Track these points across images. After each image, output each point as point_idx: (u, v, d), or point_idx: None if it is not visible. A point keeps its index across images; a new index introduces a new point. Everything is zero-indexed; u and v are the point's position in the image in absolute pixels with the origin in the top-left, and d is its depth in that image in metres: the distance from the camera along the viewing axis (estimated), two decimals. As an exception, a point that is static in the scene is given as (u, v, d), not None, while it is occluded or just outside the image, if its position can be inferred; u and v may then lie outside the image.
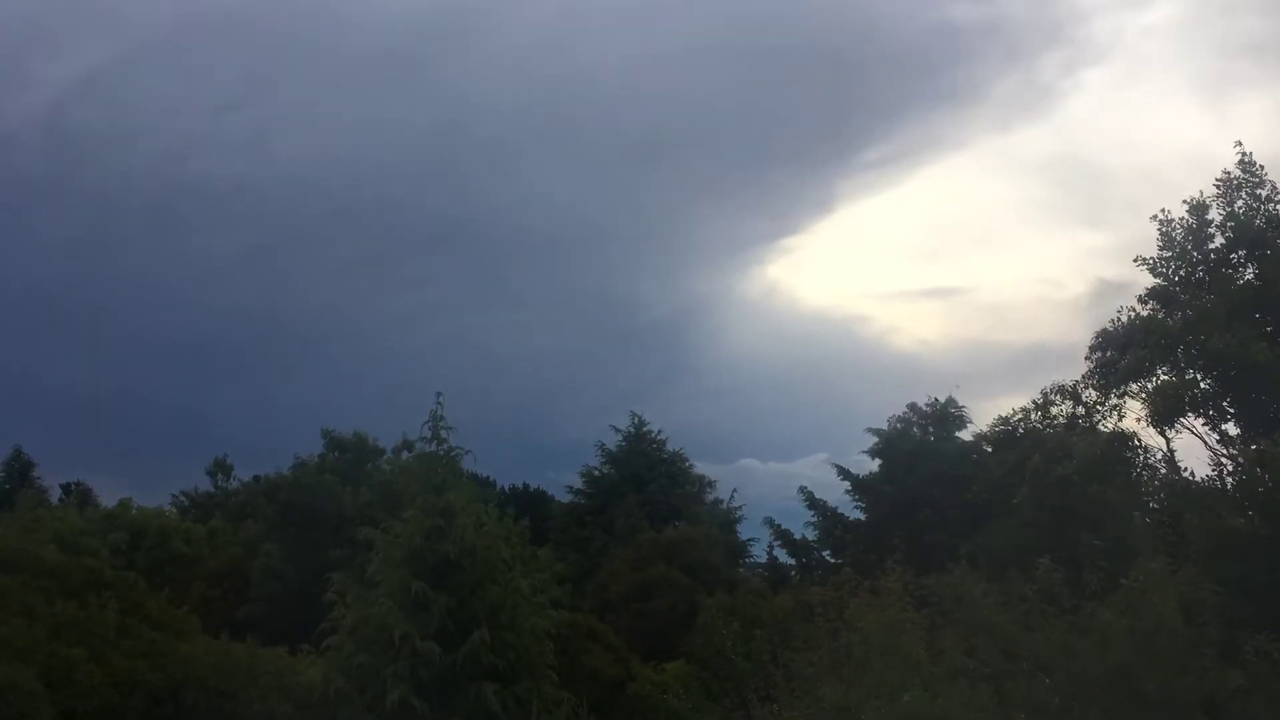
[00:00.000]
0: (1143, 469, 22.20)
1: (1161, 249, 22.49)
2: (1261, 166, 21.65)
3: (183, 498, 54.26)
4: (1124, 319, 22.60)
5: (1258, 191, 21.76)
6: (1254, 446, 19.17)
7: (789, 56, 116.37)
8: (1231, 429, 21.07)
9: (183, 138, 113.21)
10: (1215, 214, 22.06)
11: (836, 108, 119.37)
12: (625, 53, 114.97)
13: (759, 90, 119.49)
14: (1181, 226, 22.30)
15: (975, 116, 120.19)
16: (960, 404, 35.56)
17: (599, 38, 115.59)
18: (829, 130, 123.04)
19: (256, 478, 49.26)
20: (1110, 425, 22.38)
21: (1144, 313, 22.47)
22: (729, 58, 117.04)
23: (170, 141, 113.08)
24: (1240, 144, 21.90)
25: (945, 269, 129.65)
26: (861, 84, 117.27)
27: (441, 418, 18.77)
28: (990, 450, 30.38)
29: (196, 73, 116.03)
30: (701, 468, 49.15)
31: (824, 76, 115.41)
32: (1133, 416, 22.07)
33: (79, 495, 53.57)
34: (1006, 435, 25.94)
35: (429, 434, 18.87)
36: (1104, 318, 23.13)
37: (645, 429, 48.24)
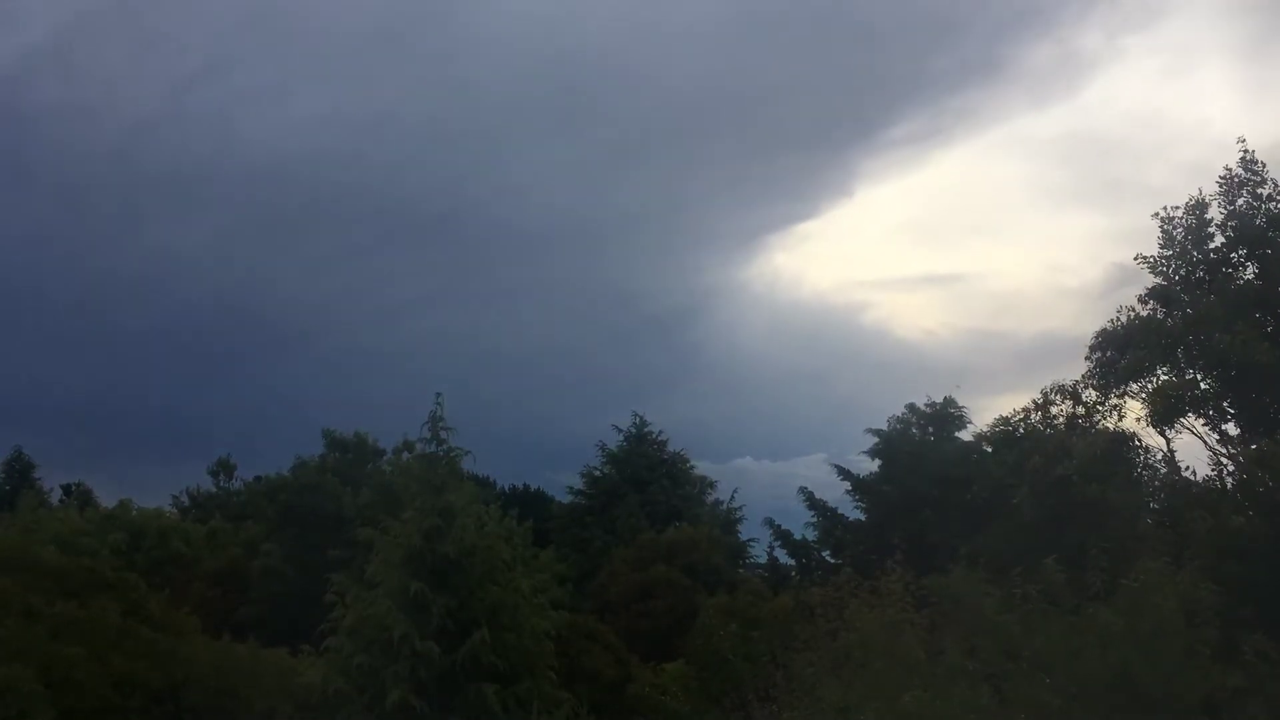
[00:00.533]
0: (1143, 469, 22.18)
1: (1162, 248, 22.48)
2: (1263, 164, 21.63)
3: (184, 498, 54.33)
4: (1124, 318, 22.60)
5: (1259, 190, 21.73)
6: (1254, 446, 19.17)
7: (808, 27, 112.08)
8: (1232, 429, 21.06)
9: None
10: (1215, 213, 22.04)
11: (858, 83, 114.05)
12: (633, 27, 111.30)
13: (775, 64, 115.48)
14: (1182, 225, 22.29)
15: (1006, 91, 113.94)
16: (960, 404, 35.56)
17: (603, 10, 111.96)
18: (850, 107, 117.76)
19: (258, 478, 49.33)
20: (1110, 425, 22.35)
21: (1144, 312, 22.46)
22: (745, 29, 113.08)
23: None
24: (1243, 140, 21.89)
25: (957, 254, 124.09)
26: (886, 56, 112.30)
27: (441, 418, 18.77)
28: (990, 450, 30.34)
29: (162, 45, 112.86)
30: (699, 468, 49.21)
31: (846, 49, 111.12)
32: (1133, 416, 22.06)
33: (79, 496, 53.64)
34: (1006, 435, 25.91)
35: (429, 434, 18.87)
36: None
37: (646, 429, 48.25)
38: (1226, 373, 20.52)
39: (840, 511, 36.15)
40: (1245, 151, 21.80)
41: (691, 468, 48.30)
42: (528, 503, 49.75)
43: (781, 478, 78.18)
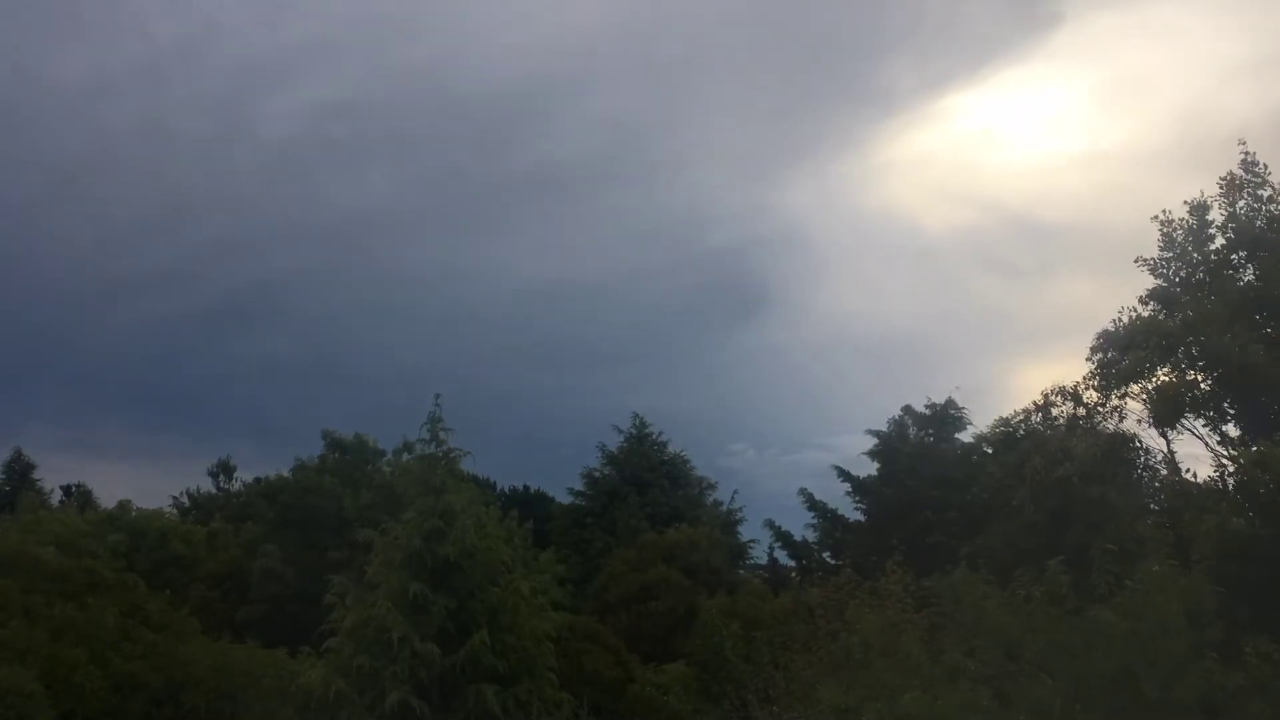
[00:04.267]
0: (1143, 470, 22.18)
1: (1162, 250, 22.52)
2: (1265, 165, 21.63)
3: (184, 498, 54.34)
4: (1125, 319, 22.63)
5: (1259, 192, 21.73)
6: (1254, 448, 19.15)
7: None
8: (1232, 430, 21.05)
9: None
10: (1216, 214, 22.06)
11: None
12: None
13: None
14: (1182, 227, 22.32)
15: None
16: (960, 405, 35.58)
17: None
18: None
19: (258, 479, 49.37)
20: (1111, 426, 22.35)
21: (1144, 313, 22.48)
22: None
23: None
24: (1244, 142, 21.90)
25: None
26: None
27: (440, 419, 18.75)
28: (990, 452, 30.35)
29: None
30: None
31: None
32: (1133, 418, 22.05)
33: (80, 497, 53.64)
34: (1007, 437, 25.92)
35: (428, 435, 18.86)
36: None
37: (646, 430, 48.29)
38: (1227, 374, 20.52)
39: (840, 512, 36.20)
40: (1246, 153, 21.83)
41: (692, 469, 48.38)
42: (527, 504, 49.79)
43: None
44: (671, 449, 48.17)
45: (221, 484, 55.23)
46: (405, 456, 35.60)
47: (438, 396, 18.88)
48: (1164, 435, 21.47)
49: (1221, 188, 21.95)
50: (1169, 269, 22.53)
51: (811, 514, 36.52)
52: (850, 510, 35.94)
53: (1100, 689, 12.47)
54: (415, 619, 16.84)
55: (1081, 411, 22.84)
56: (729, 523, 46.76)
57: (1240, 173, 21.86)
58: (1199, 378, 21.06)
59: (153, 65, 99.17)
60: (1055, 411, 23.53)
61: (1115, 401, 22.34)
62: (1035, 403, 24.08)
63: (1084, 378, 22.96)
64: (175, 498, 54.41)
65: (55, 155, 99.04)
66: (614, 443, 48.05)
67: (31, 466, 56.96)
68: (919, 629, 14.49)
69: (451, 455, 18.78)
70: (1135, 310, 22.67)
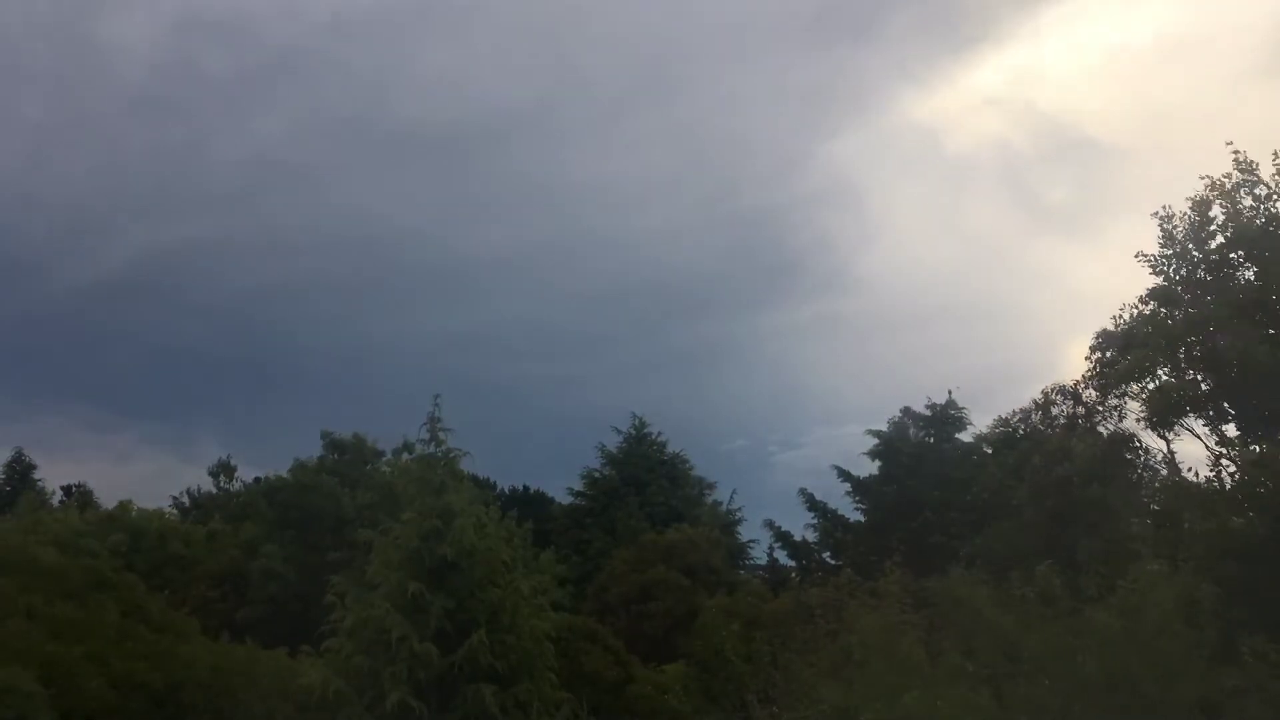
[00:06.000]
0: (1143, 470, 22.17)
1: (1162, 247, 22.47)
2: (1255, 164, 21.58)
3: (184, 498, 54.33)
4: (1125, 318, 22.61)
5: (1256, 191, 21.70)
6: (1254, 448, 19.15)
7: None
8: (1231, 430, 21.04)
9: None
10: (1217, 211, 22.00)
11: None
12: None
13: None
14: (1183, 224, 22.26)
15: None
16: (960, 405, 35.59)
17: None
18: None
19: (257, 479, 49.35)
20: (1110, 426, 22.35)
21: (1145, 312, 22.45)
22: None
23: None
24: (1231, 142, 21.87)
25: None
26: None
27: (439, 419, 18.73)
28: (990, 452, 30.41)
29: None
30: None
31: None
32: (1133, 417, 22.05)
33: (80, 497, 53.62)
34: (1006, 437, 25.95)
35: (427, 436, 18.84)
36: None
37: (646, 431, 48.26)
38: (1226, 373, 20.50)
39: (840, 513, 36.21)
40: (1237, 152, 21.76)
41: (691, 469, 48.32)
42: (527, 504, 49.75)
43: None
44: (671, 449, 48.19)
45: (221, 484, 55.21)
46: (405, 456, 35.60)
47: (437, 397, 18.88)
48: (1163, 435, 21.47)
49: (1215, 190, 21.90)
50: (1170, 266, 22.48)
51: (811, 514, 36.58)
52: (850, 510, 35.99)
53: (1098, 689, 12.46)
54: (414, 619, 16.83)
55: (1081, 411, 22.85)
56: (728, 523, 46.73)
57: (1234, 173, 21.82)
58: (1199, 378, 21.05)
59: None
60: (1055, 411, 23.55)
61: (1115, 401, 22.35)
62: (1035, 402, 24.13)
63: (1083, 376, 22.98)
64: (175, 497, 54.49)
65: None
66: (613, 443, 48.07)
67: (32, 466, 56.98)
68: (919, 629, 14.49)
69: (451, 455, 18.75)
70: (1136, 308, 22.66)
